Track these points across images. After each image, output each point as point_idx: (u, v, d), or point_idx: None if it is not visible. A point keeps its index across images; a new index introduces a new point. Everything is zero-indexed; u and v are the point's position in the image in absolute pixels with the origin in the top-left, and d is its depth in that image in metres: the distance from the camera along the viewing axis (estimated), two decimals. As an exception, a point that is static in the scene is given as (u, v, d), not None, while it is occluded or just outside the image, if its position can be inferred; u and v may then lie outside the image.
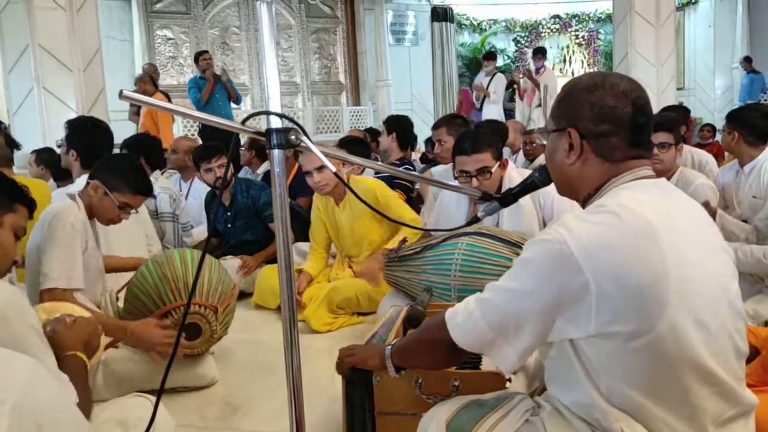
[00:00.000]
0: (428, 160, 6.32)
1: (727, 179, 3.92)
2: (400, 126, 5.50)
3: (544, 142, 1.49)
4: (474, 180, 2.98)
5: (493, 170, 2.98)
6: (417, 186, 5.60)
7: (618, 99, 1.35)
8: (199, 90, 7.95)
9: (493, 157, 3.00)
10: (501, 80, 9.91)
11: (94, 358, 1.83)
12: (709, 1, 13.33)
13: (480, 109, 9.70)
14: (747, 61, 12.01)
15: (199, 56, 8.19)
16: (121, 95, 1.08)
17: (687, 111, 5.35)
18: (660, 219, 1.26)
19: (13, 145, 4.44)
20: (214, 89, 7.94)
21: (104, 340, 1.92)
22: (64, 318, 1.76)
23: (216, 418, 2.54)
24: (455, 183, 3.05)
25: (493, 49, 12.45)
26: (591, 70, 13.57)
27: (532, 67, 10.04)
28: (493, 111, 9.37)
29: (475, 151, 2.98)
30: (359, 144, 5.04)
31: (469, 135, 3.15)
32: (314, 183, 3.62)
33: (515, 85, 10.17)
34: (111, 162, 2.84)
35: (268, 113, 1.26)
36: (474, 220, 1.87)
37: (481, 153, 2.98)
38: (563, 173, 1.45)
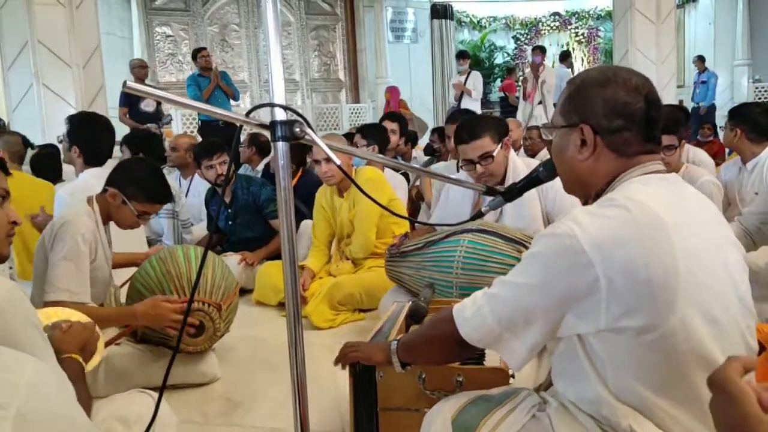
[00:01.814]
0: (433, 152, 6.27)
1: (729, 176, 3.92)
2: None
3: (550, 137, 1.47)
4: (478, 167, 2.96)
5: (495, 154, 2.96)
6: (417, 183, 5.60)
7: (631, 94, 1.34)
8: (198, 87, 7.93)
9: (492, 140, 2.97)
10: (478, 77, 9.86)
11: (92, 362, 1.80)
12: (709, -1, 13.33)
13: (456, 108, 9.64)
14: (701, 60, 11.95)
15: (197, 53, 8.16)
16: (124, 86, 1.07)
17: (687, 112, 5.33)
18: (670, 213, 1.24)
19: (29, 145, 4.50)
20: (215, 88, 7.94)
21: (102, 343, 1.89)
22: (60, 324, 1.74)
23: (217, 414, 2.53)
24: (457, 177, 3.03)
25: (489, 49, 12.42)
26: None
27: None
28: (472, 108, 9.29)
29: (473, 137, 2.96)
30: (377, 128, 5.04)
31: (466, 123, 3.12)
32: (322, 173, 3.63)
33: (521, 84, 10.12)
34: (129, 169, 2.77)
35: (272, 105, 1.24)
36: (478, 215, 1.86)
37: (480, 139, 2.95)
38: (574, 169, 1.42)
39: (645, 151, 1.36)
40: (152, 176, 2.76)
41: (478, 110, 9.32)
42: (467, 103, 9.49)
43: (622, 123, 1.34)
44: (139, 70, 8.01)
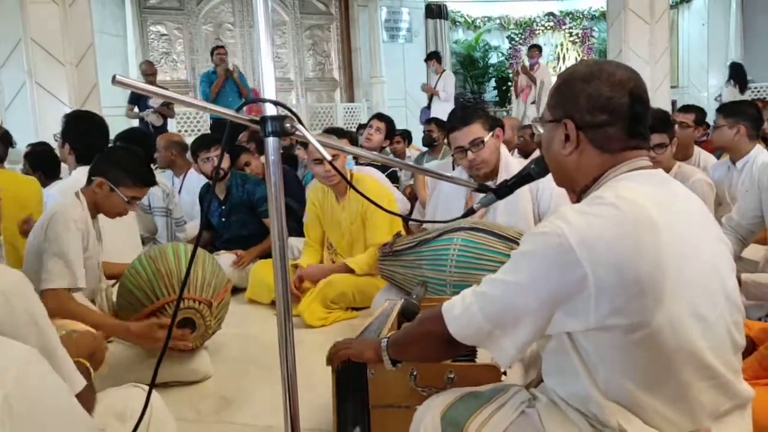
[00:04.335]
0: (431, 142, 6.25)
1: (718, 176, 3.94)
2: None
3: (541, 130, 1.48)
4: (469, 153, 2.97)
5: (486, 140, 2.97)
6: (410, 182, 5.60)
7: (614, 88, 1.33)
8: (209, 84, 8.06)
9: (483, 127, 2.99)
10: (448, 78, 9.66)
11: (100, 370, 1.84)
12: (702, -1, 13.37)
13: (429, 108, 9.50)
14: None
15: (214, 51, 8.29)
16: (114, 80, 1.07)
17: (704, 113, 5.28)
18: (658, 211, 1.25)
19: (9, 143, 4.44)
20: (224, 84, 7.99)
21: (108, 355, 1.94)
22: (71, 333, 1.81)
23: (210, 412, 2.53)
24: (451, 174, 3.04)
25: (484, 49, 12.31)
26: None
27: (527, 63, 10.00)
28: (443, 109, 8.93)
29: (464, 123, 2.98)
30: (344, 133, 5.08)
31: (457, 111, 3.17)
32: (324, 172, 3.60)
33: (511, 83, 10.10)
34: (112, 156, 2.80)
35: (263, 101, 1.24)
36: (469, 211, 1.86)
37: (471, 125, 2.97)
38: (559, 164, 1.44)
39: (630, 147, 1.36)
40: (136, 161, 2.79)
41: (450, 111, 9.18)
42: (437, 104, 9.38)
43: (606, 118, 1.34)
44: (147, 74, 8.18)
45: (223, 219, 4.46)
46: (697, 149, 4.40)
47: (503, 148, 3.10)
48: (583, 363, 1.28)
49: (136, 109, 8.00)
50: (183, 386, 2.72)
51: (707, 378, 1.26)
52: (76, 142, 3.56)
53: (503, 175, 2.99)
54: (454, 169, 3.78)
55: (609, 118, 1.34)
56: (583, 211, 1.27)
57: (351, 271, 3.63)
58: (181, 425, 2.36)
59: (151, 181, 2.83)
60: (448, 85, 9.57)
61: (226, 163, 4.44)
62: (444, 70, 9.75)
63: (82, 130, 3.62)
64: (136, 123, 8.09)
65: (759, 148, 3.82)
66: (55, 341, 1.38)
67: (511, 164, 3.03)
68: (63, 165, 4.42)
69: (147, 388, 1.74)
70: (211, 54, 8.40)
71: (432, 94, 9.63)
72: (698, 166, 4.15)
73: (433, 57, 10.02)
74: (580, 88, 1.36)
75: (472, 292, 1.38)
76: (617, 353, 1.24)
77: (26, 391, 1.02)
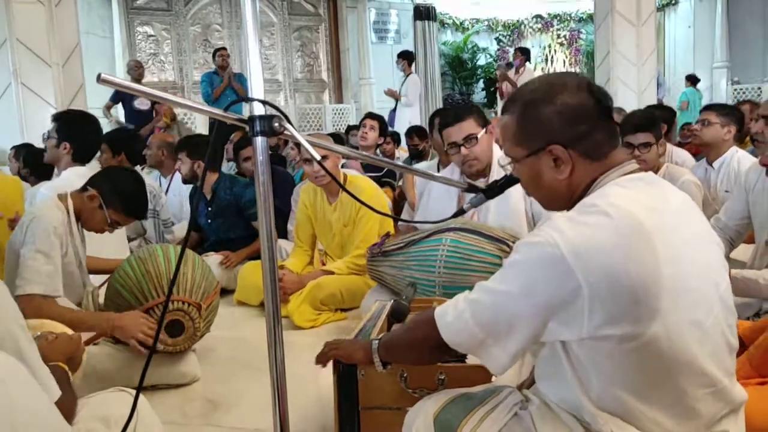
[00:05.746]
0: (418, 153, 6.22)
1: (697, 177, 4.00)
2: None
3: (510, 170, 1.44)
4: (462, 149, 2.98)
5: (479, 136, 2.99)
6: (400, 183, 5.60)
7: (579, 95, 1.32)
8: (211, 84, 8.08)
9: (477, 123, 3.01)
10: (411, 83, 9.22)
11: (77, 374, 1.84)
12: (688, 2, 13.45)
13: (394, 111, 9.31)
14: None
15: (216, 52, 8.31)
16: (98, 79, 1.05)
17: (673, 112, 5.57)
18: (650, 216, 1.23)
19: None
20: (226, 87, 8.04)
21: (84, 356, 1.95)
22: (47, 335, 1.80)
23: (197, 415, 2.51)
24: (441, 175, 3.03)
25: (472, 50, 12.28)
26: (573, 69, 13.66)
27: (513, 65, 10.02)
28: (406, 114, 8.96)
29: (458, 119, 3.01)
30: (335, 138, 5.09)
31: (450, 108, 3.18)
32: (313, 172, 3.57)
33: (497, 85, 10.11)
34: (116, 177, 2.79)
35: (250, 100, 1.23)
36: (459, 212, 1.86)
37: (464, 121, 3.00)
38: (555, 189, 1.38)
39: (614, 146, 1.35)
40: (136, 191, 2.79)
41: (414, 115, 9.06)
42: (400, 109, 9.19)
43: (586, 127, 1.32)
44: (134, 71, 8.17)
45: (210, 221, 4.43)
46: (669, 146, 4.51)
47: (495, 147, 3.11)
48: (576, 373, 1.27)
49: (114, 109, 8.00)
50: (170, 389, 2.70)
51: (704, 386, 1.25)
52: (75, 141, 3.55)
53: (495, 173, 3.00)
54: (439, 171, 3.77)
55: (588, 125, 1.32)
56: (575, 220, 1.25)
57: (331, 274, 3.62)
58: (168, 428, 2.34)
59: (141, 216, 2.88)
60: (410, 90, 9.16)
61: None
62: (411, 73, 9.32)
63: (81, 129, 3.61)
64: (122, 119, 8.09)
65: (734, 148, 3.96)
66: (29, 350, 1.35)
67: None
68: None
69: (133, 392, 1.72)
70: (213, 55, 8.43)
71: (397, 99, 9.29)
72: (671, 161, 4.27)
73: (402, 57, 9.46)
74: (549, 111, 1.33)
75: (464, 298, 1.36)
76: (611, 362, 1.22)
77: (9, 401, 1.00)
